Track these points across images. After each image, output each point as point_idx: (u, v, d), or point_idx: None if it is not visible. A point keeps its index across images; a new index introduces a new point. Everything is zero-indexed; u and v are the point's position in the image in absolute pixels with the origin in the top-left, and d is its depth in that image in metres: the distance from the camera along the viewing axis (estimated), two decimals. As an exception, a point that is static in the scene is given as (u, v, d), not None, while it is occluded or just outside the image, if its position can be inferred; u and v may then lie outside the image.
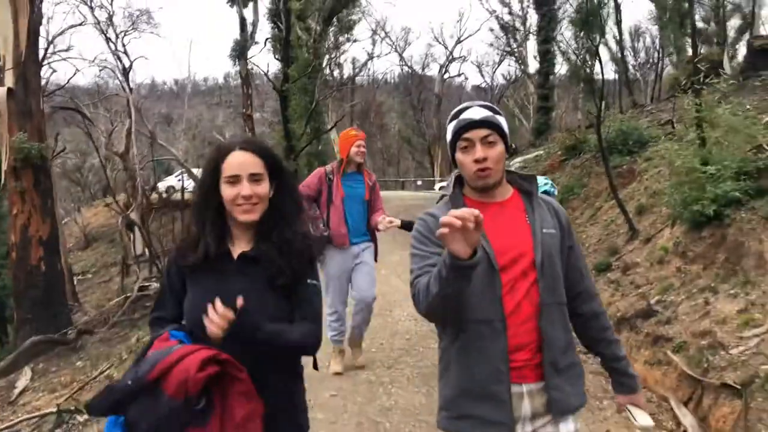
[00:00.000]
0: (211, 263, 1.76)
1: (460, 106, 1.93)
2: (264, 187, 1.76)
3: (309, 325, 1.78)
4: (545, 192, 3.73)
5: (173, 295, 1.84)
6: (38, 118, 9.87)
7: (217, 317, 1.61)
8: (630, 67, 32.50)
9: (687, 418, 3.94)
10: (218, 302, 1.62)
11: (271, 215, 1.80)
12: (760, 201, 4.95)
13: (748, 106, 8.70)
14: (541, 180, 3.87)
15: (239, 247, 1.80)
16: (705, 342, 4.28)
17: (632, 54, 35.41)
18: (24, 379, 8.29)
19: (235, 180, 1.73)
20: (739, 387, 3.69)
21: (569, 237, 1.94)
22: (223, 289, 1.68)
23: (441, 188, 27.27)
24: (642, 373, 4.74)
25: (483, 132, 1.80)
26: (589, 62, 22.08)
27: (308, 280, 1.82)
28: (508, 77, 39.70)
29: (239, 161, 1.74)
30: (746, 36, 20.17)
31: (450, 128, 1.91)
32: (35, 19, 9.90)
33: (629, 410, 1.94)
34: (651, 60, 32.12)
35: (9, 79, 9.49)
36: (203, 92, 62.19)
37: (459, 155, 1.86)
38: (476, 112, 1.84)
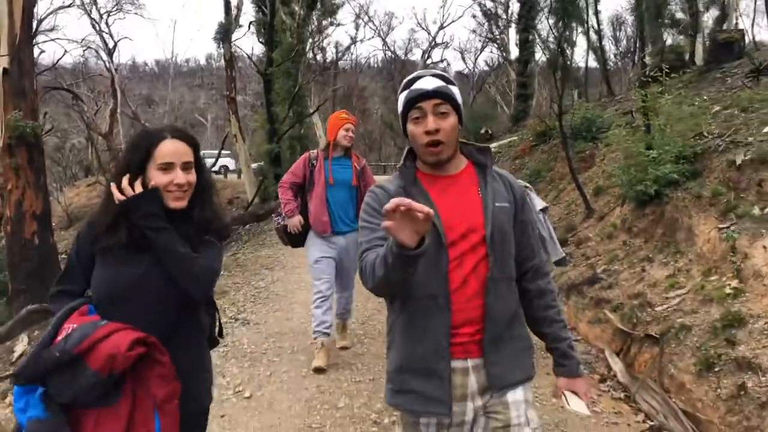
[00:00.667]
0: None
1: (412, 75, 1.89)
2: (194, 175, 1.84)
3: (206, 263, 1.83)
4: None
5: (82, 269, 1.85)
6: (32, 97, 10.31)
7: (129, 190, 1.77)
8: (612, 56, 33.29)
9: (617, 365, 4.68)
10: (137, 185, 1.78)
11: (196, 199, 1.88)
12: (693, 182, 5.66)
13: (705, 97, 9.45)
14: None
15: None
16: (637, 302, 5.01)
17: (614, 43, 36.21)
18: (21, 344, 8.83)
19: (168, 167, 1.78)
20: (657, 337, 4.42)
21: (522, 211, 1.93)
22: (135, 263, 1.77)
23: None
24: (584, 331, 5.49)
25: (435, 102, 1.77)
26: (566, 51, 22.92)
27: (205, 237, 1.89)
28: (490, 64, 40.35)
29: (173, 149, 1.79)
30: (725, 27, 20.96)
31: (401, 98, 1.86)
32: (29, 2, 10.29)
33: (565, 395, 1.92)
34: (631, 49, 32.89)
35: (4, 60, 9.90)
36: (185, 73, 61.96)
37: (410, 126, 1.82)
38: (428, 82, 1.79)
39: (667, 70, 7.94)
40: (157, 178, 1.77)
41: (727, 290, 4.33)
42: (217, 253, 1.91)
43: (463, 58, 38.18)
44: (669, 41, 20.98)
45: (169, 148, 1.78)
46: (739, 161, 5.20)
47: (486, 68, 41.46)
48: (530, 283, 1.94)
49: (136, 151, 1.80)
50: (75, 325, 1.63)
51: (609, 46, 34.66)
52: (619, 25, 35.24)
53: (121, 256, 1.77)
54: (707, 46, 13.81)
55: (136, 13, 30.57)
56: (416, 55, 42.14)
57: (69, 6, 19.40)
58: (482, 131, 19.17)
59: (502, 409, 1.82)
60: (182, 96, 49.69)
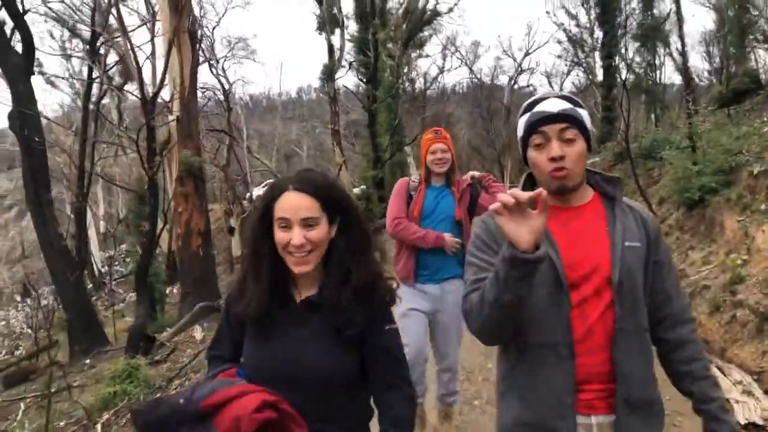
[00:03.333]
0: (272, 309, 1.68)
1: (535, 97, 1.75)
2: (319, 232, 1.63)
3: (402, 402, 1.68)
4: None
5: (231, 338, 1.79)
6: (196, 138, 13.44)
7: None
8: (706, 73, 34.14)
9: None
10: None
11: (338, 257, 1.69)
12: (727, 190, 7.66)
13: (765, 119, 11.20)
14: None
15: (304, 291, 1.72)
16: (679, 275, 7.12)
17: (707, 59, 37.03)
18: (198, 332, 11.70)
19: (286, 224, 1.62)
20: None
21: (656, 251, 1.73)
22: (286, 339, 1.66)
23: (511, 195, 29.81)
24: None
25: (560, 126, 1.63)
26: (650, 74, 24.57)
27: (386, 327, 1.71)
28: (577, 85, 41.97)
29: (290, 204, 1.62)
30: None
31: (521, 122, 1.72)
32: (195, 63, 13.47)
33: None
34: (722, 66, 33.73)
35: (176, 110, 13.06)
36: (277, 106, 66.82)
37: (532, 153, 1.69)
38: (553, 104, 1.66)
39: (731, 95, 9.85)
40: (277, 236, 1.64)
41: (738, 261, 6.37)
42: (392, 338, 1.73)
43: (550, 83, 39.83)
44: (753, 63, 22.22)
45: (287, 204, 1.63)
46: (755, 171, 7.21)
47: (573, 90, 43.07)
48: (667, 333, 1.75)
49: (260, 208, 1.69)
50: (200, 383, 1.58)
51: (701, 63, 35.51)
52: (712, 41, 36.12)
53: (270, 331, 1.69)
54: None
55: (248, 58, 34.42)
56: (502, 80, 44.30)
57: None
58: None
59: None
60: (276, 128, 53.97)
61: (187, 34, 13.21)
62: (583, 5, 28.54)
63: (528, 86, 42.56)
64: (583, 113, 1.68)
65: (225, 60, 27.88)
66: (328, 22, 22.85)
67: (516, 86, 41.73)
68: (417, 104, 37.40)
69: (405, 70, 31.30)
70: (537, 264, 1.43)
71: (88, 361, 10.60)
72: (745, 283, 6.02)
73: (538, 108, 1.68)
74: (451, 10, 26.98)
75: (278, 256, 1.66)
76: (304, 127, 54.90)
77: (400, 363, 1.72)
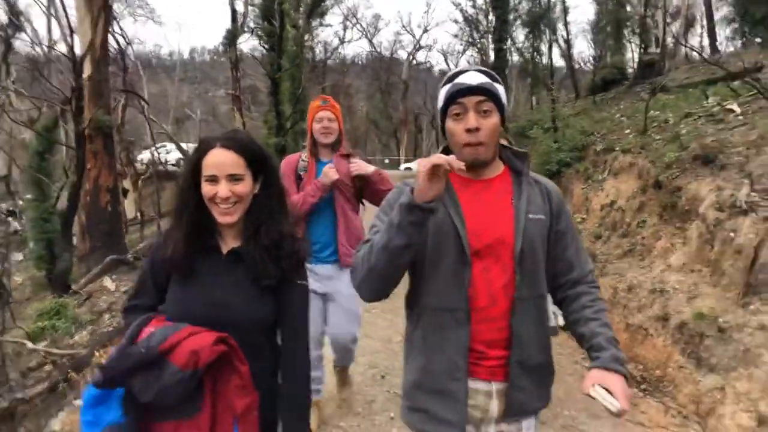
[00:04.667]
0: (200, 258, 1.81)
1: (456, 69, 1.85)
2: (244, 186, 1.77)
3: (299, 373, 1.85)
4: None
5: (155, 286, 1.87)
6: (107, 98, 14.10)
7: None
8: (591, 58, 37.35)
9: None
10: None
11: (258, 212, 1.82)
12: (578, 163, 9.69)
13: (621, 105, 13.48)
14: None
15: (228, 242, 1.85)
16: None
17: (593, 46, 40.42)
18: (110, 282, 12.59)
19: (213, 179, 1.74)
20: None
21: (558, 221, 1.86)
22: (211, 286, 1.79)
23: (406, 168, 31.92)
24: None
25: (478, 99, 1.73)
26: (536, 59, 27.11)
27: (298, 281, 1.87)
28: (471, 65, 44.38)
29: (218, 160, 1.75)
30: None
31: (442, 92, 1.81)
32: (107, 22, 14.06)
33: (595, 389, 1.63)
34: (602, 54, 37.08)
35: (87, 69, 13.64)
36: (168, 67, 65.07)
37: (450, 123, 1.78)
38: (473, 77, 1.76)
39: (600, 83, 11.92)
40: (204, 189, 1.76)
41: (578, 220, 8.36)
42: (302, 294, 1.89)
43: (446, 61, 41.96)
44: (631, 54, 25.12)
45: (215, 159, 1.75)
46: (598, 149, 9.26)
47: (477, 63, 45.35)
48: (567, 291, 1.88)
49: (188, 164, 1.80)
50: (155, 328, 1.69)
51: (588, 49, 38.68)
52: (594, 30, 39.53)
53: (196, 278, 1.80)
54: (636, 65, 17.93)
55: (146, 17, 33.96)
56: (401, 56, 46.15)
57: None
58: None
59: None
60: (165, 90, 52.83)
61: (98, -7, 13.77)
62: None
63: (426, 62, 44.66)
64: (500, 88, 1.79)
65: (121, 19, 27.78)
66: (232, -14, 23.48)
67: (414, 62, 43.66)
68: (317, 73, 38.42)
69: (306, 37, 32.25)
70: (429, 213, 1.57)
71: None
72: (580, 234, 7.99)
73: (458, 80, 1.77)
74: (354, -17, 28.19)
75: (202, 208, 1.79)
76: (195, 90, 54.17)
77: (301, 319, 1.88)
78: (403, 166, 35.01)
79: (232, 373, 1.70)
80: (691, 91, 10.68)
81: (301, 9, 23.49)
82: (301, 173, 3.68)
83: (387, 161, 41.21)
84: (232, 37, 24.12)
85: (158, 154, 23.78)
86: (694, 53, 19.12)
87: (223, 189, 1.74)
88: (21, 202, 22.54)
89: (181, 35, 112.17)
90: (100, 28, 13.66)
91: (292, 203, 3.13)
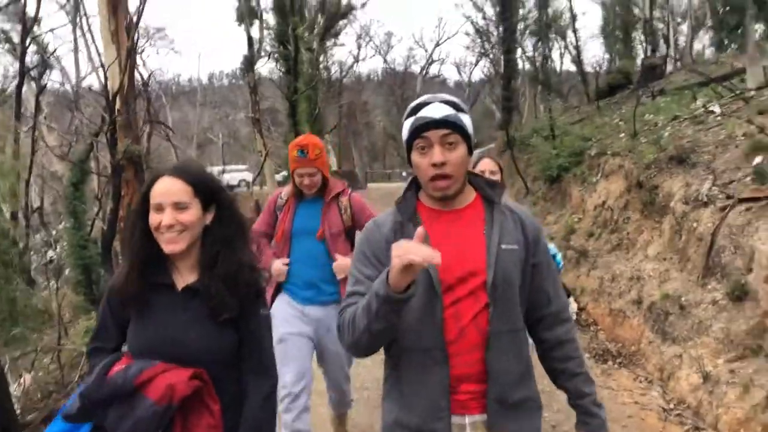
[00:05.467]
0: (157, 295, 1.81)
1: (420, 100, 1.81)
2: (190, 215, 1.77)
3: (261, 400, 1.85)
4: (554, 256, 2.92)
5: (116, 325, 1.88)
6: (135, 129, 15.20)
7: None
8: (606, 63, 38.05)
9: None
10: None
11: (213, 243, 1.83)
12: (576, 168, 10.44)
13: (623, 110, 14.16)
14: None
15: (183, 277, 1.84)
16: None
17: (606, 49, 41.11)
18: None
19: (159, 208, 1.75)
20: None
21: (535, 253, 1.83)
22: (169, 323, 1.79)
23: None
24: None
25: (443, 132, 1.70)
26: (547, 66, 27.89)
27: (261, 311, 1.89)
28: (487, 74, 45.30)
29: (165, 188, 1.76)
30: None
31: (406, 125, 1.78)
32: (133, 60, 15.19)
33: None
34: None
35: (117, 104, 14.76)
36: (188, 93, 66.85)
37: (415, 156, 1.75)
38: (436, 109, 1.72)
39: (606, 88, 12.65)
40: (150, 219, 1.76)
41: (575, 219, 9.12)
42: (264, 325, 1.93)
43: (459, 72, 43.03)
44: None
45: (161, 188, 1.77)
46: (593, 153, 10.02)
47: (483, 77, 46.42)
48: (546, 332, 1.87)
49: (141, 194, 1.82)
50: (125, 366, 1.71)
51: (601, 52, 39.21)
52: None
53: (153, 315, 1.81)
54: (640, 69, 18.57)
55: (166, 48, 35.59)
56: (415, 69, 47.18)
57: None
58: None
59: None
60: (186, 116, 54.33)
61: (124, 32, 14.91)
62: (488, -1, 31.40)
63: (439, 75, 45.56)
64: (465, 118, 1.75)
65: (143, 51, 29.16)
66: (247, 14, 24.66)
67: (427, 76, 44.61)
68: (333, 92, 39.50)
69: (321, 59, 33.35)
70: (407, 302, 1.54)
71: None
72: (576, 233, 8.75)
73: (421, 113, 1.73)
74: (364, 5, 29.38)
75: (153, 240, 1.77)
76: (216, 114, 55.52)
77: (265, 351, 1.89)
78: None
79: (203, 410, 1.72)
80: (686, 93, 11.35)
81: (315, 31, 24.61)
82: (278, 213, 3.55)
83: (404, 174, 42.12)
84: (249, 63, 25.26)
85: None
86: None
87: (167, 217, 1.75)
88: (54, 232, 23.86)
89: (200, 62, 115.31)
90: (127, 67, 14.78)
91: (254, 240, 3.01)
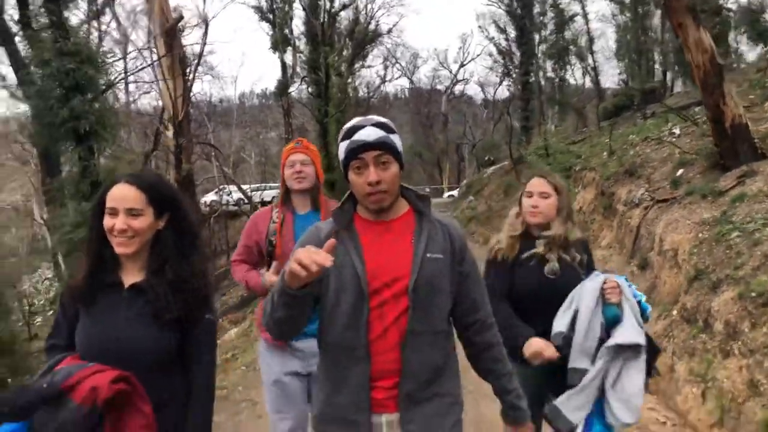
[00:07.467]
0: (103, 294, 1.92)
1: (353, 123, 1.96)
2: (142, 222, 1.89)
3: (198, 412, 1.94)
4: (638, 303, 2.80)
5: (67, 324, 1.97)
6: (188, 150, 17.81)
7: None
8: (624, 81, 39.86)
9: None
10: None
11: (164, 248, 1.94)
12: (565, 181, 12.63)
13: (620, 130, 16.30)
14: (631, 289, 2.85)
15: (131, 277, 1.95)
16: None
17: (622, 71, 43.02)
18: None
19: (113, 212, 1.87)
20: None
21: (462, 263, 2.01)
22: (111, 320, 1.88)
23: (449, 196, 34.88)
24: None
25: (376, 153, 1.86)
26: (564, 85, 30.06)
27: (206, 316, 1.97)
28: (513, 93, 47.26)
29: (119, 194, 1.88)
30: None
31: (342, 147, 1.93)
32: (186, 89, 17.86)
33: None
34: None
35: (171, 129, 17.38)
36: (218, 113, 69.85)
37: (352, 175, 1.91)
38: (369, 133, 1.88)
39: (612, 109, 14.83)
40: (104, 222, 1.88)
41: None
42: (208, 330, 2.00)
43: (483, 91, 45.04)
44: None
45: (116, 194, 1.88)
46: (577, 168, 12.22)
47: (508, 95, 48.42)
48: (476, 336, 2.05)
49: (97, 199, 1.93)
50: (67, 365, 1.80)
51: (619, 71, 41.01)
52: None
53: (98, 313, 1.91)
54: (640, 92, 20.65)
55: (206, 74, 38.31)
56: (441, 88, 49.55)
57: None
58: (486, 158, 26.52)
59: None
60: (218, 135, 56.99)
61: (178, 65, 17.56)
62: (510, 21, 33.53)
63: (463, 95, 47.88)
64: (396, 138, 1.93)
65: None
66: (281, 42, 27.36)
67: (452, 96, 46.99)
68: (361, 111, 42.00)
69: (349, 80, 35.92)
70: (301, 298, 1.74)
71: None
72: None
73: (356, 136, 1.88)
74: (390, 31, 32.01)
75: (107, 242, 1.90)
76: (247, 134, 58.12)
77: (204, 355, 1.97)
78: (446, 194, 38.12)
79: (134, 412, 1.76)
80: (663, 117, 13.51)
81: (344, 55, 27.36)
82: (272, 239, 3.15)
83: (428, 189, 44.33)
84: (283, 87, 27.90)
85: (221, 195, 27.41)
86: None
87: (119, 222, 1.85)
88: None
89: (236, 86, 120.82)
90: (179, 95, 17.41)
91: (238, 276, 3.18)
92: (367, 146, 1.86)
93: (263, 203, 37.39)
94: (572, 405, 2.65)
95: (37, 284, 21.71)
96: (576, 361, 2.67)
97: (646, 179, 8.74)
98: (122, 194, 1.88)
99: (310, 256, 1.60)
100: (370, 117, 1.98)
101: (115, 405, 1.72)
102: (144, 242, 1.92)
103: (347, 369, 1.93)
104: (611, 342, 2.64)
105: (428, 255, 1.92)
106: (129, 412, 1.75)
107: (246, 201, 22.38)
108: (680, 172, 8.20)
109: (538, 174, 3.14)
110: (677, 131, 10.90)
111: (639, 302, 2.81)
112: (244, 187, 24.96)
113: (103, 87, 10.09)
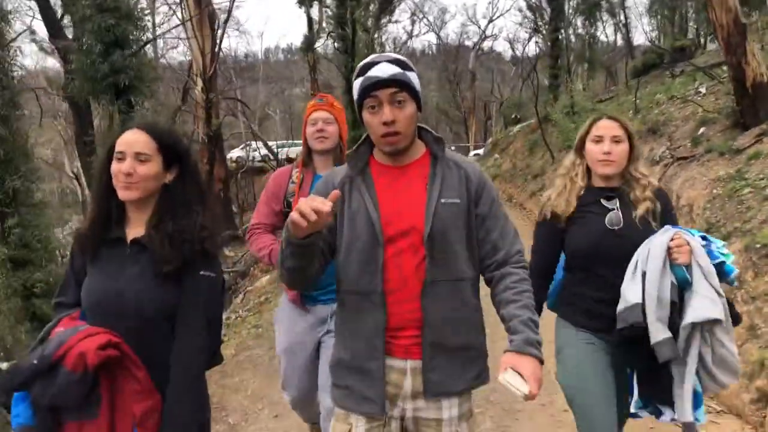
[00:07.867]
0: (109, 248, 1.93)
1: (368, 60, 1.91)
2: (149, 168, 1.86)
3: (187, 360, 1.85)
4: (720, 265, 2.36)
5: (75, 279, 1.98)
6: (216, 106, 18.20)
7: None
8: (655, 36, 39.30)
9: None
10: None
11: (168, 201, 1.92)
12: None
13: (648, 88, 16.32)
14: (718, 244, 2.45)
15: (134, 231, 1.93)
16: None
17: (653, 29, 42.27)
18: (227, 251, 16.59)
19: (120, 157, 1.85)
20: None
21: (480, 205, 1.94)
22: (114, 275, 1.89)
23: (475, 155, 34.91)
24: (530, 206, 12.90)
25: (391, 91, 1.81)
26: (594, 43, 29.71)
27: (200, 272, 1.90)
28: (543, 49, 46.64)
29: (129, 139, 1.87)
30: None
31: (356, 85, 1.89)
32: (214, 44, 18.16)
33: (506, 371, 1.74)
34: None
35: (199, 84, 17.74)
36: (243, 69, 69.99)
37: (366, 115, 1.87)
38: (384, 69, 1.82)
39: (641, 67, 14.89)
40: (112, 167, 1.86)
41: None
42: (205, 286, 1.92)
43: (513, 48, 44.46)
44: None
45: (126, 138, 1.87)
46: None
47: (537, 52, 47.78)
48: (494, 271, 1.96)
49: (108, 144, 1.94)
50: (61, 329, 1.81)
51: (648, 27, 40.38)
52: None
53: (102, 268, 1.92)
54: (669, 50, 20.48)
55: (235, 29, 38.24)
56: (469, 44, 49.06)
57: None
58: (513, 116, 26.52)
59: (435, 426, 1.93)
60: (244, 91, 57.18)
61: (207, 20, 17.83)
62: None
63: (491, 51, 47.38)
64: (413, 76, 1.85)
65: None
66: (308, -3, 27.42)
67: (480, 53, 46.56)
68: (388, 68, 41.90)
69: (376, 36, 35.82)
70: (307, 247, 1.72)
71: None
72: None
73: (370, 73, 1.83)
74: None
75: (114, 193, 1.88)
76: (272, 89, 58.23)
77: (200, 314, 1.89)
78: (472, 152, 38.06)
79: (128, 378, 1.76)
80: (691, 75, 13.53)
81: (371, 9, 27.32)
82: (290, 199, 3.08)
83: (453, 148, 44.22)
84: (309, 43, 28.04)
85: (248, 151, 27.84)
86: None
87: (126, 165, 1.83)
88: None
89: (261, 40, 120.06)
90: (207, 50, 17.73)
91: (256, 247, 3.10)
92: (381, 83, 1.81)
93: (289, 160, 37.73)
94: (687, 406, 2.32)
95: (68, 236, 22.53)
96: (657, 333, 2.28)
97: (668, 137, 8.94)
98: (133, 138, 1.87)
99: (309, 204, 1.59)
100: (386, 54, 1.94)
101: (110, 370, 1.74)
102: (149, 191, 1.90)
103: (362, 316, 1.92)
104: (686, 321, 2.29)
105: (443, 200, 1.88)
106: (124, 377, 1.76)
107: (272, 157, 22.72)
108: (702, 130, 8.39)
109: (607, 115, 2.74)
110: (703, 90, 10.99)
111: (722, 263, 2.38)
112: (270, 143, 25.30)
113: (142, 42, 10.45)
